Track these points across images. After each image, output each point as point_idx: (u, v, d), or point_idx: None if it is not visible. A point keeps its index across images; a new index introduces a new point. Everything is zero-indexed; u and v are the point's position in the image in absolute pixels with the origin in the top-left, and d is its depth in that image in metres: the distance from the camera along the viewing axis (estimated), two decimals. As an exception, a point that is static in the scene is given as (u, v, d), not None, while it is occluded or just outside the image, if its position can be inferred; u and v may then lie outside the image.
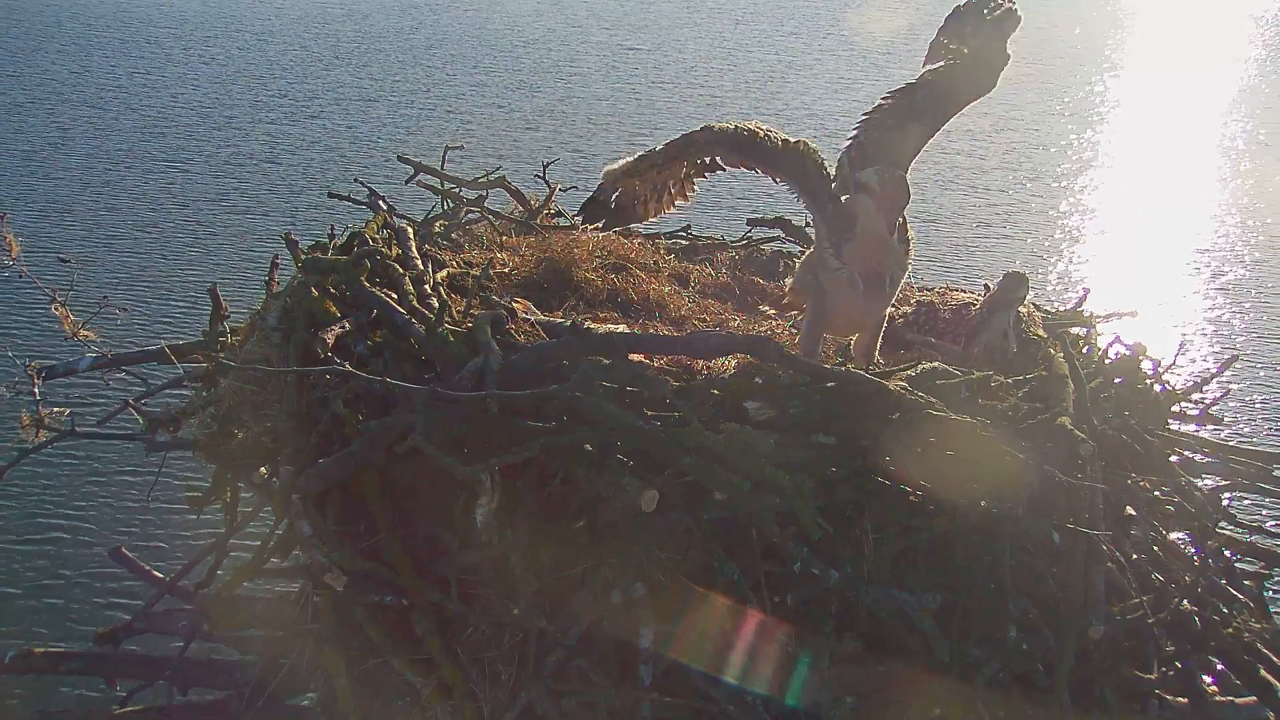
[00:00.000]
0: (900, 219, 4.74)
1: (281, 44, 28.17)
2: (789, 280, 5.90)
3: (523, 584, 4.29)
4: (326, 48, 27.98)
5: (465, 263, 6.23)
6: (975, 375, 4.83)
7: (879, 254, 4.76)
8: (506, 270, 6.18)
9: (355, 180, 8.44)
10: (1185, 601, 4.84)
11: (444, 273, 5.80)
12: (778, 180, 4.99)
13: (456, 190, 7.52)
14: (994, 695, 4.31)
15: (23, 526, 9.34)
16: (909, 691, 4.31)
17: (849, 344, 5.32)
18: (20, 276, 6.31)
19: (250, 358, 5.41)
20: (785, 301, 5.92)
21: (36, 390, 6.10)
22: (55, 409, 6.07)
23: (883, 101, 5.36)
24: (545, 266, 6.32)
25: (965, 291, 6.12)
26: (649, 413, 4.41)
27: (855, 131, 5.28)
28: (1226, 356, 7.41)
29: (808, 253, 5.37)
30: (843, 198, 4.91)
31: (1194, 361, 12.40)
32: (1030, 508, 4.46)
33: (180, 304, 13.33)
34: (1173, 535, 5.26)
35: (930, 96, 5.32)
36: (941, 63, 5.46)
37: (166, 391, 6.74)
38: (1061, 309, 6.76)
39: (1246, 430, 11.31)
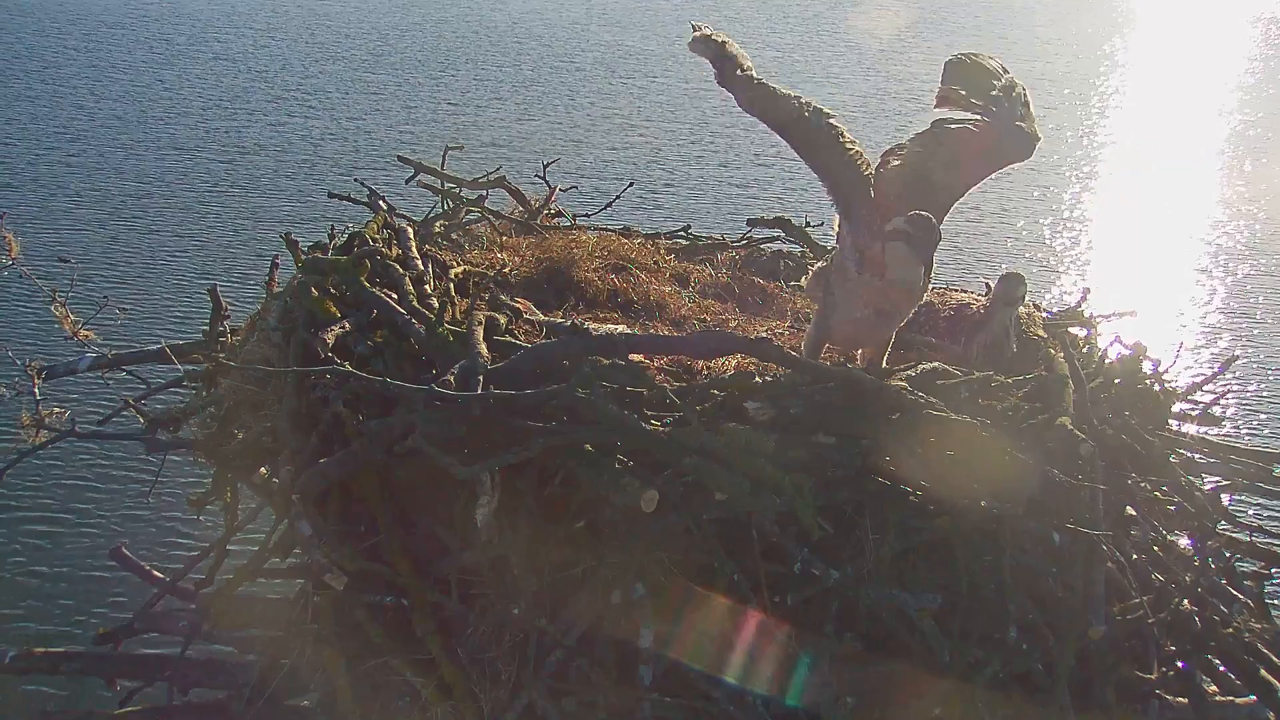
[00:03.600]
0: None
1: (284, 44, 28.18)
2: (797, 280, 5.82)
3: (523, 584, 4.29)
4: (328, 47, 27.98)
5: (467, 264, 6.23)
6: (975, 375, 4.83)
7: (903, 298, 4.73)
8: (506, 271, 6.19)
9: (355, 180, 8.43)
10: (1185, 601, 4.84)
11: (460, 269, 5.78)
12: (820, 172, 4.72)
13: (456, 190, 7.51)
14: (994, 695, 4.31)
15: (23, 527, 9.33)
16: (909, 692, 4.31)
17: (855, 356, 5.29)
18: (20, 277, 6.30)
19: (250, 358, 5.41)
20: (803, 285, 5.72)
21: (36, 390, 6.10)
22: (55, 409, 6.07)
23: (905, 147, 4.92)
24: (545, 266, 6.32)
25: (965, 291, 6.12)
26: (649, 413, 4.41)
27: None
28: (1226, 356, 7.40)
29: (818, 264, 5.24)
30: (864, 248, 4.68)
31: (1194, 361, 12.41)
32: (1030, 508, 4.46)
33: (180, 304, 13.31)
34: (1173, 535, 5.26)
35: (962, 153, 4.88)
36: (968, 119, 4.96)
37: (166, 391, 6.74)
38: (1061, 309, 6.76)
39: (1246, 430, 11.31)
